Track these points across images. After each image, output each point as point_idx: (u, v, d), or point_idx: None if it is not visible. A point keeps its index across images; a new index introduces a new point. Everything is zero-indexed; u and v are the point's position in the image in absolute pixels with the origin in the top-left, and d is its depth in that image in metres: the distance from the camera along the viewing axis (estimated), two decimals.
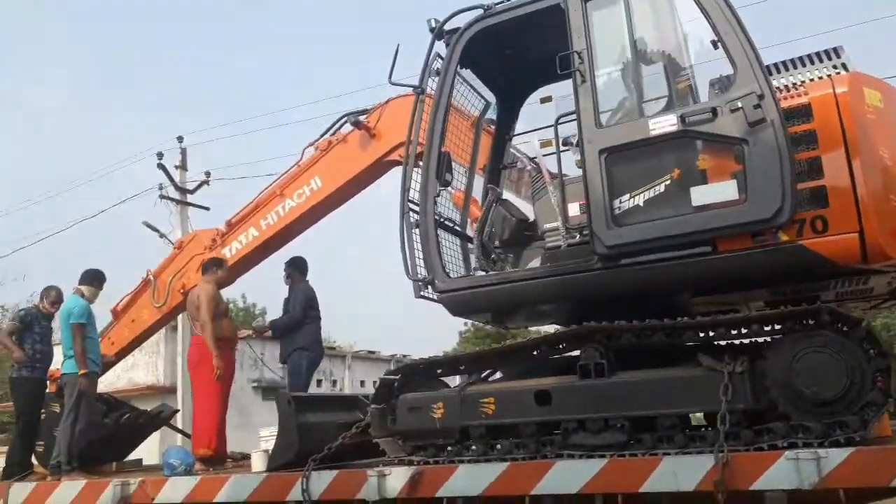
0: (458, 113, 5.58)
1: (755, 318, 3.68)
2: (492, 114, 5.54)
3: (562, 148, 4.41)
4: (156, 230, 13.54)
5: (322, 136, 6.50)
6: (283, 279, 7.22)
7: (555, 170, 4.40)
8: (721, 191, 3.67)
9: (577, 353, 4.16)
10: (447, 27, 4.68)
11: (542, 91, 5.39)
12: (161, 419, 7.12)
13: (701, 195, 3.70)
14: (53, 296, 6.53)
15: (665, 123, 3.80)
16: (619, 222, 3.84)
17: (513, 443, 4.13)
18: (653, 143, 3.82)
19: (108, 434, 6.55)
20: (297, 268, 7.18)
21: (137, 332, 7.11)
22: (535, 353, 4.28)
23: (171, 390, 15.17)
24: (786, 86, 3.83)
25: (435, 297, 4.58)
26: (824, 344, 3.50)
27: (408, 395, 4.46)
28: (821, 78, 3.91)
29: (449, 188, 4.76)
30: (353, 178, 6.29)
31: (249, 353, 16.87)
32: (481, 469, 3.93)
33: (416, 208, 4.61)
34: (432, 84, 4.73)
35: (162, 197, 13.85)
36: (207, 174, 14.48)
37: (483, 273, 4.54)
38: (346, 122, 6.42)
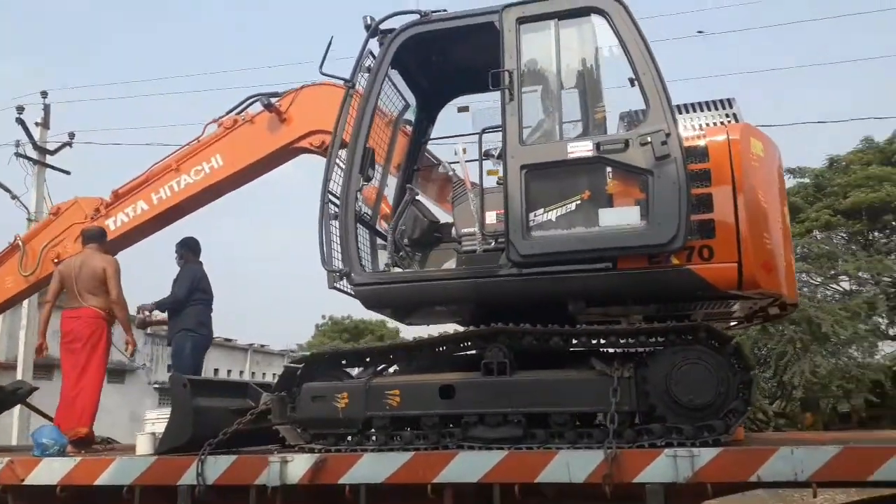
0: (378, 110, 5.72)
1: (643, 329, 4.13)
2: (409, 115, 5.71)
3: (483, 159, 4.67)
4: (8, 190, 12.38)
5: (228, 113, 6.36)
6: (175, 260, 7.03)
7: (474, 178, 4.65)
8: (625, 215, 4.07)
9: (475, 351, 4.46)
10: (382, 27, 4.80)
11: (460, 100, 5.69)
12: (18, 396, 6.62)
13: (607, 217, 4.09)
14: None
15: (582, 148, 4.16)
16: (533, 234, 4.15)
17: (414, 434, 4.34)
18: (569, 165, 4.16)
19: None
20: (189, 248, 7.02)
21: (0, 300, 6.58)
22: (440, 349, 4.50)
23: (9, 367, 13.89)
24: (687, 127, 4.31)
25: (348, 289, 4.69)
26: (699, 357, 3.99)
27: (312, 384, 4.52)
28: (715, 124, 4.44)
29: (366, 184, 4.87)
30: (257, 160, 6.21)
31: None
32: (385, 458, 4.08)
33: (335, 200, 4.69)
34: (361, 80, 4.82)
35: (18, 155, 12.65)
36: (71, 135, 13.39)
37: (395, 270, 4.69)
38: (254, 102, 6.33)
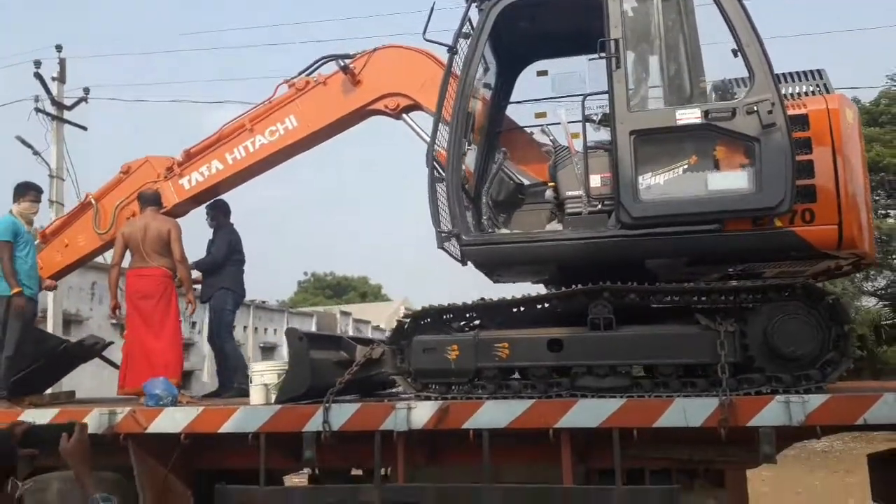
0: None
1: (746, 287, 4.44)
2: (488, 79, 5.86)
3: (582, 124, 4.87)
4: (30, 146, 12.18)
5: (299, 74, 6.44)
6: (206, 222, 7.22)
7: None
8: (733, 179, 4.34)
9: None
10: None
11: (539, 65, 5.86)
12: (95, 350, 6.78)
13: (715, 181, 4.36)
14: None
15: (690, 115, 4.39)
16: (643, 197, 4.40)
17: (522, 384, 4.64)
18: (678, 131, 4.40)
19: (41, 364, 6.18)
20: (221, 210, 7.24)
21: (72, 259, 6.66)
22: (543, 305, 4.77)
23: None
24: (789, 95, 4.56)
25: (454, 250, 4.93)
26: (798, 312, 4.32)
27: (423, 336, 4.77)
28: (807, 94, 4.69)
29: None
30: (331, 122, 6.31)
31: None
32: (507, 405, 4.39)
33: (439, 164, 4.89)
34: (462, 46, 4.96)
35: (37, 110, 12.42)
36: (86, 91, 13.18)
37: (501, 231, 4.92)
38: (325, 63, 6.42)
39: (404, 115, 6.21)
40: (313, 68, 6.41)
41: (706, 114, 4.36)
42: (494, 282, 5.50)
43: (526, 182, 5.54)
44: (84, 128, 13.30)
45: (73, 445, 2.41)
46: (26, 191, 5.98)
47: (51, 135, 12.59)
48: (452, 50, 4.91)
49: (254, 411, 4.74)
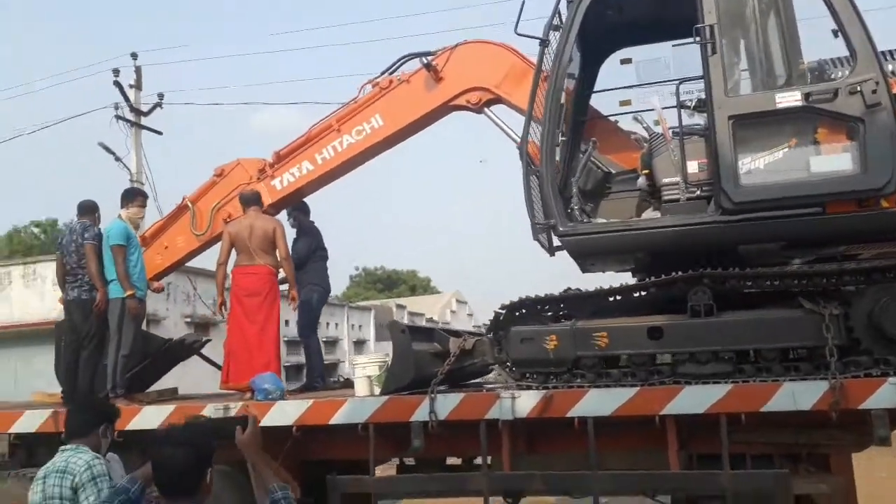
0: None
1: (849, 269, 4.39)
2: (572, 69, 5.89)
3: (676, 111, 4.88)
4: (111, 152, 12.77)
5: (382, 73, 6.59)
6: (289, 223, 7.43)
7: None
8: (836, 161, 4.30)
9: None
10: None
11: (622, 53, 5.86)
12: (194, 349, 7.11)
13: (818, 163, 4.32)
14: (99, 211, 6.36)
15: (790, 98, 4.35)
16: (744, 182, 4.39)
17: (622, 372, 4.70)
18: (778, 115, 4.37)
19: (149, 363, 6.52)
20: (301, 210, 7.42)
21: (172, 260, 6.98)
22: (641, 293, 4.81)
23: None
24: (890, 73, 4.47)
25: (544, 241, 5.00)
26: None
27: (521, 327, 4.87)
28: None
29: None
30: (416, 119, 6.44)
31: (182, 287, 16.49)
32: (611, 393, 4.45)
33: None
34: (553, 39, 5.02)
35: (117, 118, 12.99)
36: (160, 96, 13.73)
37: (598, 220, 4.97)
38: (407, 61, 6.55)
39: (486, 109, 6.31)
40: (396, 67, 6.56)
41: (807, 96, 4.32)
42: (584, 271, 5.55)
43: (613, 171, 5.58)
44: (160, 132, 13.86)
45: (248, 437, 2.59)
46: (134, 196, 6.31)
47: (130, 140, 13.15)
48: (544, 43, 4.98)
49: (362, 403, 4.92)
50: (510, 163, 5.42)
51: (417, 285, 61.85)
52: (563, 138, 5.01)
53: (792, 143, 4.37)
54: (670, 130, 4.82)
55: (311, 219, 7.62)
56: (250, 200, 6.52)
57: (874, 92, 4.20)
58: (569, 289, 5.13)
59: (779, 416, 4.25)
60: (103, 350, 5.96)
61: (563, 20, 5.06)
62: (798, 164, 4.34)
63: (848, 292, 4.44)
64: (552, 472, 4.63)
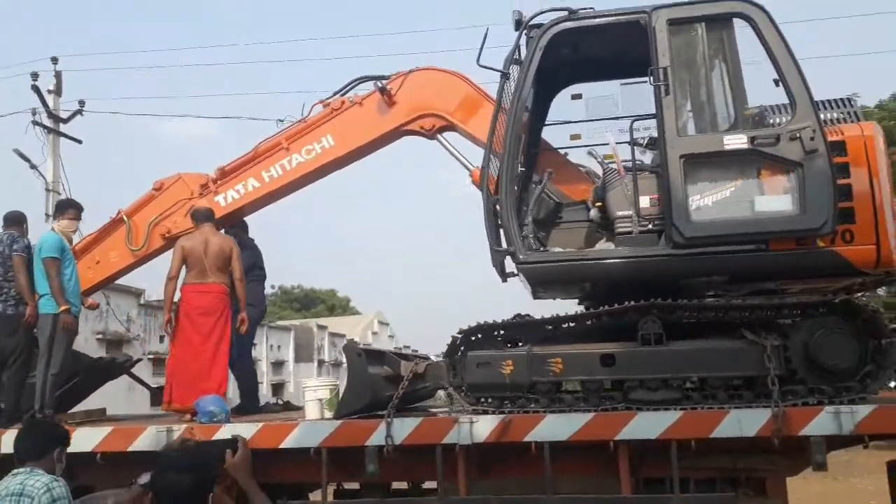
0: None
1: (788, 304, 4.69)
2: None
3: (626, 147, 5.11)
4: (27, 160, 12.01)
5: (334, 94, 6.58)
6: None
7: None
8: (778, 202, 4.61)
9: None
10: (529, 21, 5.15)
11: (573, 88, 6.09)
12: (125, 367, 6.78)
13: (762, 203, 4.61)
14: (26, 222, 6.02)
15: (737, 141, 4.64)
16: (695, 217, 4.64)
17: (575, 397, 4.82)
18: (726, 156, 4.65)
19: (78, 381, 6.18)
20: (241, 228, 7.28)
21: (104, 275, 6.66)
22: (592, 321, 4.96)
23: None
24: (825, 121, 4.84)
25: (499, 267, 5.10)
26: (837, 326, 4.59)
27: (478, 352, 4.93)
28: (839, 121, 4.98)
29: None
30: (367, 141, 6.46)
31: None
32: (567, 418, 4.56)
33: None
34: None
35: (35, 123, 12.26)
36: (81, 103, 13.05)
37: (555, 249, 5.11)
38: (358, 84, 6.58)
39: (438, 136, 6.40)
40: (348, 88, 6.57)
41: (752, 140, 4.62)
42: (535, 297, 5.67)
43: (562, 202, 5.75)
44: (79, 141, 13.19)
45: (239, 460, 2.52)
46: (67, 208, 6.01)
47: (47, 148, 12.46)
48: (505, 75, 5.11)
49: (315, 426, 4.82)
50: (429, 184, 5.52)
51: (336, 305, 61.00)
52: (522, 169, 5.13)
53: (738, 183, 4.66)
54: (623, 165, 5.03)
55: (250, 236, 7.49)
56: (204, 216, 6.33)
57: (812, 139, 4.54)
58: (519, 315, 5.25)
59: (721, 441, 4.46)
60: (29, 367, 5.61)
61: (522, 54, 5.22)
62: (744, 202, 4.62)
63: (786, 325, 4.73)
64: (508, 496, 4.67)
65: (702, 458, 4.64)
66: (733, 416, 4.38)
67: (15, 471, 3.03)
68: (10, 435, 5.13)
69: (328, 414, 5.10)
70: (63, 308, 5.51)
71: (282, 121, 8.94)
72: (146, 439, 4.92)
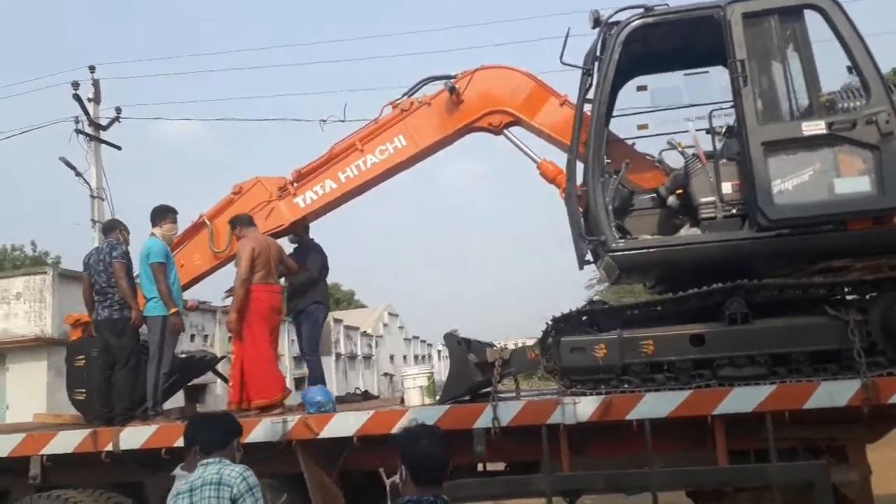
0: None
1: (869, 280, 4.95)
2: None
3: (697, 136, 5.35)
4: (72, 167, 12.28)
5: (403, 95, 6.82)
6: (288, 239, 7.52)
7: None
8: (856, 183, 4.85)
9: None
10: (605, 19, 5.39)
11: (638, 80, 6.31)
12: (210, 364, 7.08)
13: (841, 185, 4.86)
14: (126, 228, 6.31)
15: (815, 127, 4.89)
16: (778, 201, 4.88)
17: (666, 377, 5.09)
18: (805, 142, 4.90)
19: (175, 379, 6.48)
20: (304, 229, 7.50)
21: (189, 277, 6.89)
22: (678, 305, 5.21)
23: (60, 342, 13.96)
24: None
25: (581, 255, 5.38)
26: None
27: (571, 337, 5.20)
28: None
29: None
30: (437, 140, 6.70)
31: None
32: (667, 396, 4.83)
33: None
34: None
35: (78, 132, 12.52)
36: (118, 110, 13.30)
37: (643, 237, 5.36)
38: (426, 84, 6.82)
39: (505, 131, 6.65)
40: (415, 89, 6.81)
41: (830, 125, 4.86)
42: (614, 284, 5.96)
43: (634, 191, 5.99)
44: (119, 147, 13.46)
45: None
46: (166, 213, 6.26)
47: (90, 155, 12.73)
48: (589, 72, 5.35)
49: (424, 411, 5.10)
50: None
51: (342, 298, 61.31)
52: (608, 160, 5.38)
53: (817, 167, 4.90)
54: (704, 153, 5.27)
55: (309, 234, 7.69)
56: (250, 222, 6.59)
57: (887, 122, 4.78)
58: (593, 302, 5.53)
59: (806, 413, 4.71)
60: (140, 368, 5.90)
61: (601, 51, 5.46)
62: (823, 185, 4.86)
63: (865, 300, 4.99)
64: (613, 471, 4.95)
65: (786, 429, 4.89)
66: (824, 388, 4.65)
67: (204, 461, 3.28)
68: (128, 433, 5.47)
69: (427, 400, 5.39)
70: (173, 310, 5.79)
71: (324, 121, 9.33)
72: (261, 431, 5.21)
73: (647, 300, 5.21)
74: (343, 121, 8.93)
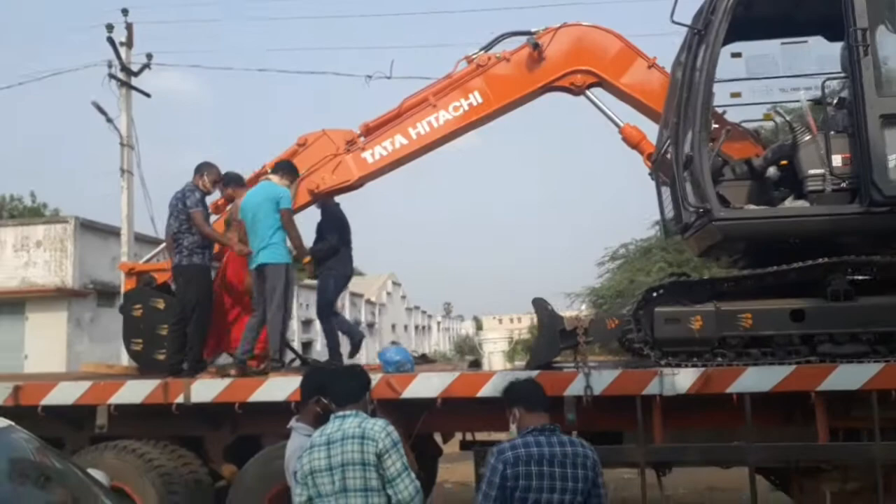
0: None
1: None
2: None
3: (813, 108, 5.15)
4: (104, 113, 11.92)
5: (480, 50, 6.57)
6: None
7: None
8: None
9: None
10: None
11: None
12: None
13: None
14: (216, 174, 6.07)
15: None
16: (892, 176, 4.71)
17: (762, 351, 4.95)
18: None
19: None
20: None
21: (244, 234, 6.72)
22: (777, 278, 5.06)
23: (81, 294, 13.77)
24: None
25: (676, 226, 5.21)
26: None
27: (666, 308, 5.04)
28: None
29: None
30: (516, 98, 6.47)
31: None
32: (770, 370, 4.70)
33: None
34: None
35: (111, 76, 12.13)
36: (149, 56, 12.91)
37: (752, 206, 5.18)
38: (504, 39, 6.57)
39: (587, 92, 6.43)
40: (494, 44, 6.57)
41: None
42: (701, 256, 5.81)
43: (727, 160, 5.80)
44: (148, 94, 13.08)
45: None
46: (292, 171, 6.10)
47: (122, 101, 12.36)
48: (700, 32, 5.12)
49: (511, 376, 4.94)
50: None
51: None
52: (716, 126, 5.17)
53: None
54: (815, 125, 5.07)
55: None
56: (242, 181, 6.44)
57: None
58: (676, 275, 5.37)
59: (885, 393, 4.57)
60: (210, 317, 5.75)
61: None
62: None
63: None
64: (709, 444, 4.83)
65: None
66: None
67: (341, 413, 3.13)
68: (200, 385, 5.31)
69: (508, 365, 5.25)
70: (306, 260, 5.63)
71: (370, 77, 9.05)
72: None
73: (744, 273, 5.04)
74: (389, 77, 8.71)
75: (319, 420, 3.50)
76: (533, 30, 6.49)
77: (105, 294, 15.06)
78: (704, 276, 5.33)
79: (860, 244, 4.95)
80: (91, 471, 3.93)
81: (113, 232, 16.19)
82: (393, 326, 47.02)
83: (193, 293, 5.74)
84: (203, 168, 6.15)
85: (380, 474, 2.97)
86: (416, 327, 52.72)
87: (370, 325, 40.29)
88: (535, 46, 6.29)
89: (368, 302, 41.28)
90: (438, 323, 62.23)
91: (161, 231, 7.14)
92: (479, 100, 6.46)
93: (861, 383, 4.57)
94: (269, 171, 6.62)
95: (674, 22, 5.12)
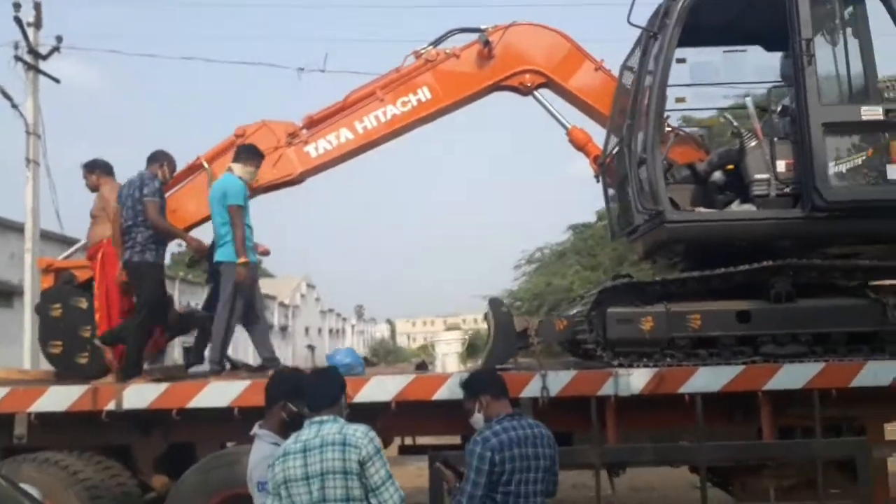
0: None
1: None
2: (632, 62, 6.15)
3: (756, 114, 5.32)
4: (9, 98, 10.98)
5: (429, 45, 6.45)
6: None
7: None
8: None
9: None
10: None
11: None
12: (202, 320, 6.52)
13: (893, 172, 4.94)
14: (174, 164, 5.70)
15: (872, 112, 4.95)
16: (834, 183, 4.92)
17: (709, 352, 5.07)
18: (863, 126, 4.94)
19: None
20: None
21: (181, 226, 6.30)
22: (724, 281, 5.19)
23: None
24: None
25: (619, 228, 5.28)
26: None
27: (618, 308, 5.08)
28: None
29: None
30: (465, 95, 6.39)
31: None
32: (719, 370, 4.80)
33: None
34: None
35: (17, 59, 11.17)
36: (59, 39, 11.98)
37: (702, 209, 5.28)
38: (453, 35, 6.48)
39: (535, 92, 6.42)
40: (443, 39, 6.46)
41: (887, 112, 4.92)
42: (645, 259, 5.91)
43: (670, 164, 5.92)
44: (57, 80, 12.18)
45: None
46: (252, 154, 5.71)
47: (28, 86, 11.45)
48: (655, 36, 5.19)
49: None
50: None
51: None
52: (669, 129, 5.25)
53: (871, 152, 4.96)
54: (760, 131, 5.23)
55: None
56: (111, 170, 6.14)
57: None
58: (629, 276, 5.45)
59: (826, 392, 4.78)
60: (157, 319, 5.36)
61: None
62: (877, 170, 4.94)
63: None
64: (663, 444, 4.89)
65: (810, 407, 4.96)
66: (869, 368, 4.75)
67: (317, 419, 2.93)
68: (133, 391, 4.95)
69: (463, 367, 5.16)
70: (242, 260, 5.25)
71: (302, 70, 8.80)
72: None
73: (694, 275, 5.14)
74: (323, 71, 8.48)
75: (285, 427, 3.29)
76: (483, 27, 6.43)
77: (2, 294, 13.91)
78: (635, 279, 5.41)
79: (802, 248, 5.14)
80: (24, 485, 3.55)
81: (10, 227, 15.08)
82: (307, 329, 46.08)
83: (144, 292, 5.36)
84: (160, 157, 5.73)
85: (362, 483, 2.81)
86: (331, 330, 51.89)
87: (283, 329, 39.32)
88: (486, 43, 6.21)
89: (282, 304, 40.28)
90: (353, 326, 61.49)
91: (67, 227, 6.69)
92: (428, 95, 6.33)
93: (804, 382, 4.74)
94: (204, 162, 6.31)
95: (630, 24, 5.18)
